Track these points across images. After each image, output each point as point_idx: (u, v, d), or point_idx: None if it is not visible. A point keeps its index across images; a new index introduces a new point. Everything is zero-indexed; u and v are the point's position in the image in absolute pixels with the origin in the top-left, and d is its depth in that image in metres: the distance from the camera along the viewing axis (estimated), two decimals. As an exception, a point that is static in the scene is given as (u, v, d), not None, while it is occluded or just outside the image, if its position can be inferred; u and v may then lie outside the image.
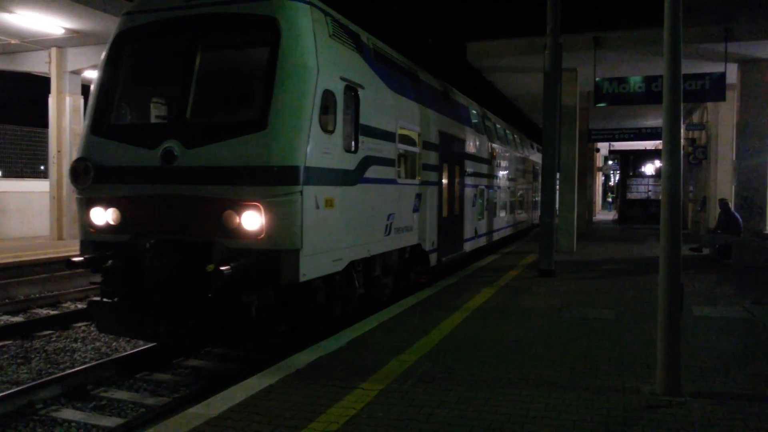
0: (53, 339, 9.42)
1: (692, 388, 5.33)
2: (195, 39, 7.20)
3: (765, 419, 4.69)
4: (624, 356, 6.45)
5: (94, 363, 7.68)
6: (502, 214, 19.88)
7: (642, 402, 5.05)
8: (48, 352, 8.70)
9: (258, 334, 6.65)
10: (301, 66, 6.83)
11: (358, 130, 8.13)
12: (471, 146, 15.05)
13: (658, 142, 30.24)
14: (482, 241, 16.74)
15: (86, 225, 7.24)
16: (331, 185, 7.32)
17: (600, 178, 49.91)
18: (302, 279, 6.69)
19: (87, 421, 6.18)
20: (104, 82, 7.54)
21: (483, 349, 6.78)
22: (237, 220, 6.50)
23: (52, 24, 16.63)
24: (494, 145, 18.01)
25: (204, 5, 7.25)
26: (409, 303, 9.46)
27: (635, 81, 15.58)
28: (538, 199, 25.45)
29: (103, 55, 7.66)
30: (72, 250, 15.19)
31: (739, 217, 15.18)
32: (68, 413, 6.39)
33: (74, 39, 18.14)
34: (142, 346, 8.51)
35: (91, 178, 7.10)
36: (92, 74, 18.75)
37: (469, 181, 14.75)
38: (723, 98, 15.38)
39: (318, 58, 7.06)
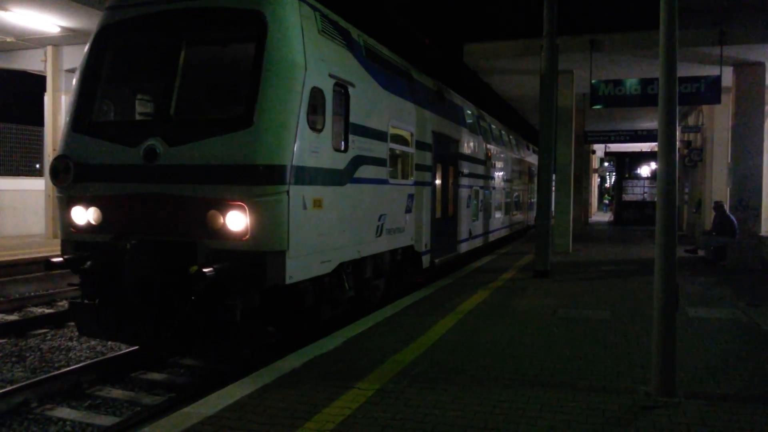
0: (48, 337, 9.40)
1: (687, 389, 5.35)
2: (179, 34, 7.03)
3: (759, 420, 4.72)
4: (619, 357, 6.47)
5: (89, 362, 7.66)
6: (498, 215, 19.84)
7: (637, 402, 5.07)
8: (43, 350, 8.68)
9: (243, 338, 6.50)
10: (289, 62, 6.66)
11: (348, 128, 7.99)
12: (466, 146, 14.96)
13: (653, 144, 30.33)
14: (477, 243, 16.65)
15: (67, 225, 7.09)
16: (320, 185, 7.18)
17: (596, 180, 50.03)
18: (288, 281, 6.56)
19: (82, 419, 6.17)
20: (86, 78, 7.36)
21: (478, 350, 6.79)
22: (221, 220, 6.35)
23: (48, 22, 16.59)
24: (489, 146, 17.97)
25: None
26: (404, 303, 9.47)
27: (631, 83, 15.62)
28: (534, 200, 25.57)
29: (85, 50, 7.50)
30: (67, 248, 15.12)
31: (734, 219, 15.24)
32: (63, 412, 6.38)
33: (70, 37, 18.09)
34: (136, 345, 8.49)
35: (71, 177, 6.94)
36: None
37: (463, 181, 14.66)
38: (718, 101, 15.43)
39: (306, 55, 6.90)
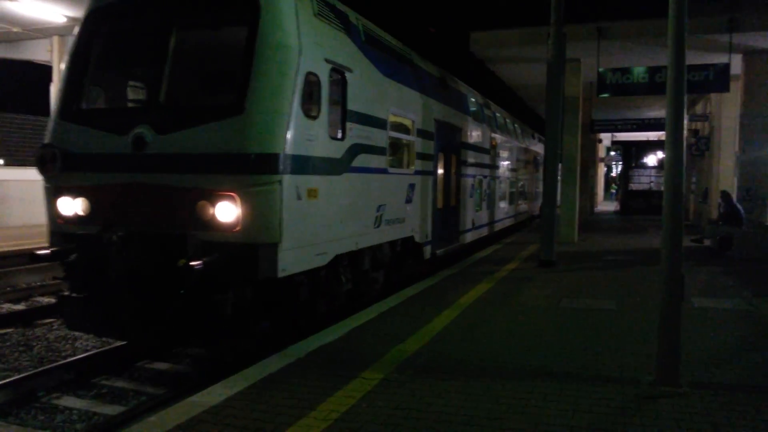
0: (54, 327, 9.44)
1: (692, 379, 5.34)
2: (170, 17, 6.81)
3: (764, 410, 4.70)
4: (624, 347, 6.46)
5: (95, 351, 7.70)
6: (502, 205, 19.68)
7: (641, 392, 5.06)
8: (49, 340, 8.72)
9: (235, 332, 6.36)
10: (282, 46, 6.43)
11: (345, 116, 7.74)
12: (469, 135, 14.72)
13: (660, 133, 30.12)
14: (480, 233, 16.46)
15: (54, 216, 6.89)
16: (315, 174, 6.95)
17: (602, 169, 49.80)
18: (281, 274, 6.34)
19: (88, 408, 6.21)
20: (74, 65, 7.15)
21: (483, 340, 6.79)
22: (211, 211, 6.16)
23: (54, 12, 16.58)
24: (494, 135, 17.75)
25: None
26: (409, 293, 9.46)
27: (638, 71, 15.50)
28: (540, 189, 25.44)
29: (74, 34, 7.31)
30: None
31: (740, 208, 15.15)
32: (69, 401, 6.42)
33: (76, 27, 18.08)
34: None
35: (58, 166, 6.73)
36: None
37: (466, 171, 14.42)
38: (727, 89, 15.30)
39: (300, 38, 6.65)
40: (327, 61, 7.22)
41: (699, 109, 25.38)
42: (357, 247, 8.31)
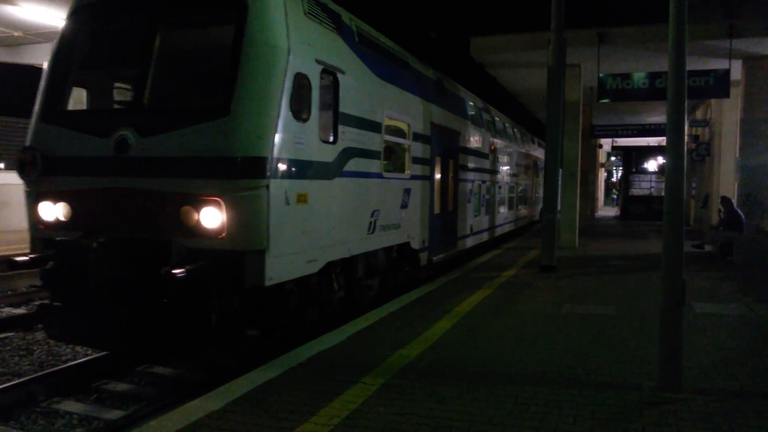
0: (55, 331, 9.43)
1: (693, 385, 5.32)
2: (155, 16, 6.62)
3: (766, 416, 4.69)
4: (625, 352, 6.45)
5: (95, 355, 7.69)
6: (502, 210, 19.55)
7: (643, 398, 5.06)
8: (50, 344, 8.70)
9: (221, 342, 6.19)
10: (270, 46, 6.23)
11: (337, 118, 7.52)
12: (467, 139, 14.52)
13: (661, 138, 30.16)
14: (479, 239, 16.28)
15: (35, 221, 6.72)
16: (305, 179, 6.74)
17: (603, 174, 49.81)
18: (268, 283, 6.15)
19: (89, 413, 6.20)
20: (56, 65, 6.95)
21: (484, 345, 6.78)
22: (195, 216, 5.97)
23: (56, 17, 16.60)
24: (493, 139, 17.61)
25: None
26: (409, 298, 9.45)
27: (639, 77, 15.51)
28: (540, 194, 25.45)
29: (58, 34, 7.12)
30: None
31: (741, 214, 15.15)
32: (70, 405, 6.41)
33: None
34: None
35: (38, 170, 6.56)
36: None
37: (464, 176, 14.22)
38: (727, 95, 15.32)
39: (290, 38, 6.44)
40: (318, 61, 7.03)
41: (699, 114, 25.40)
42: (350, 253, 8.10)
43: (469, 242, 15.18)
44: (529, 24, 15.74)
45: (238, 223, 5.95)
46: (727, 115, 20.43)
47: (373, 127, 8.71)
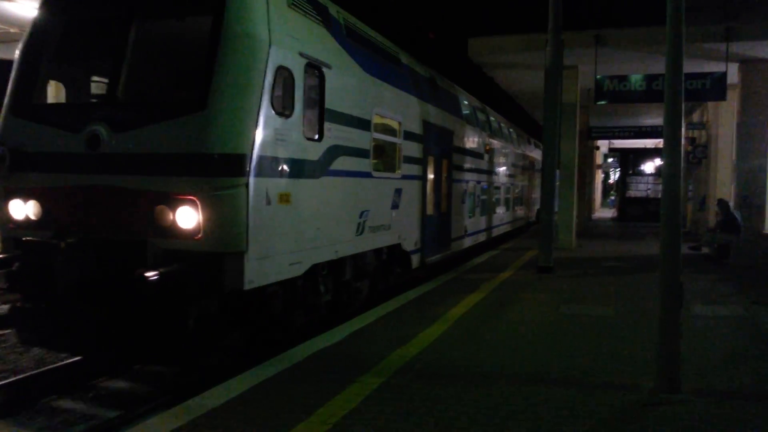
0: (53, 330, 9.42)
1: (691, 386, 5.35)
2: (129, 6, 6.37)
3: (764, 417, 4.72)
4: (623, 354, 6.48)
5: (93, 353, 7.68)
6: (498, 210, 19.46)
7: (641, 399, 5.08)
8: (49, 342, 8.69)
9: (200, 348, 6.00)
10: (249, 37, 5.95)
11: (323, 115, 7.23)
12: (462, 139, 14.33)
13: (658, 140, 30.24)
14: (475, 240, 16.14)
15: (5, 220, 6.46)
16: (287, 177, 6.48)
17: (599, 176, 49.92)
18: (249, 286, 5.90)
19: (87, 411, 6.20)
20: (27, 57, 6.68)
21: (482, 345, 6.80)
22: (171, 216, 5.73)
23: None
24: (488, 139, 17.50)
25: None
26: (407, 298, 9.47)
27: (636, 79, 15.57)
28: (537, 195, 25.46)
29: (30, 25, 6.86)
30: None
31: (738, 216, 15.21)
32: (68, 403, 6.40)
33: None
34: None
35: (6, 166, 6.32)
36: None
37: (458, 176, 14.01)
38: (724, 98, 15.39)
39: (271, 29, 6.16)
40: (302, 55, 6.76)
41: (696, 117, 25.47)
42: (337, 255, 7.86)
43: (464, 243, 15.02)
44: (527, 25, 15.78)
45: (215, 223, 5.72)
46: (724, 118, 20.50)
47: (362, 124, 8.46)
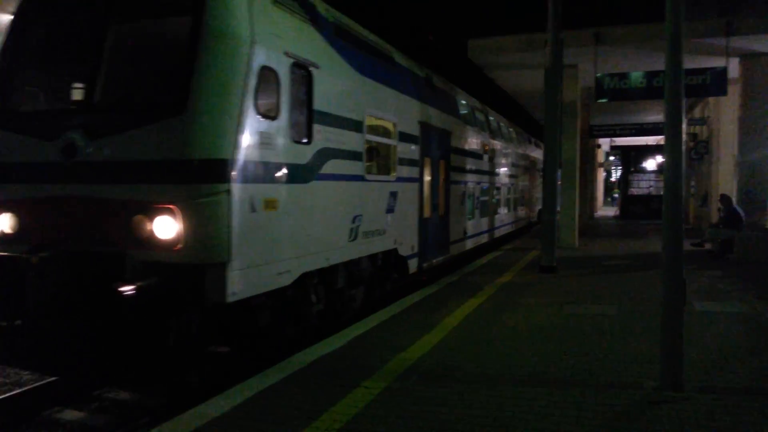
0: (56, 339, 9.40)
1: (695, 383, 5.31)
2: (106, 6, 6.17)
3: (769, 414, 4.68)
4: (626, 352, 6.44)
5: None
6: (498, 212, 19.30)
7: (645, 397, 5.04)
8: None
9: (183, 362, 5.81)
10: (230, 36, 5.70)
11: (311, 117, 7.00)
12: (460, 139, 14.10)
13: (659, 137, 30.18)
14: (474, 243, 15.92)
15: None
16: (273, 183, 6.25)
17: (601, 174, 49.85)
18: (232, 299, 5.64)
19: (90, 422, 6.16)
20: (2, 62, 6.47)
21: (486, 346, 6.76)
22: (149, 226, 5.49)
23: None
24: (488, 139, 17.34)
25: None
26: (410, 301, 9.44)
27: (636, 76, 15.52)
28: (539, 195, 25.40)
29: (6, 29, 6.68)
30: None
31: (740, 211, 15.15)
32: (71, 414, 6.37)
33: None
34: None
35: None
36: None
37: (456, 177, 13.77)
38: (725, 93, 15.34)
39: (254, 28, 5.92)
40: (288, 55, 6.53)
41: (697, 113, 25.43)
42: (329, 263, 7.60)
43: (464, 246, 14.79)
44: (526, 25, 15.78)
45: (196, 233, 5.46)
46: (725, 113, 20.45)
47: (354, 126, 8.21)
